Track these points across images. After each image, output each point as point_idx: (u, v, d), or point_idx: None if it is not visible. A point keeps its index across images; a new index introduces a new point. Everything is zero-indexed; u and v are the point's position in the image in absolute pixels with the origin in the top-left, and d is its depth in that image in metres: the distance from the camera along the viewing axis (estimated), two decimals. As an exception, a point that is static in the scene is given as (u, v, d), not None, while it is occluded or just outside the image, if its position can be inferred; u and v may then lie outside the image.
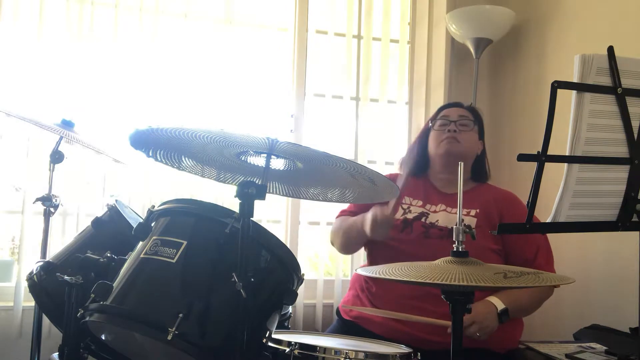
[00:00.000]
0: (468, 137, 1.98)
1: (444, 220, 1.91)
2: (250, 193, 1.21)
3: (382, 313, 1.77)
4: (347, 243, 2.03)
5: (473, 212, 1.91)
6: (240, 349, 1.16)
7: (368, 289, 1.92)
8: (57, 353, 1.43)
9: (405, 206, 1.99)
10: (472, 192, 1.99)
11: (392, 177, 2.08)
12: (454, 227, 1.22)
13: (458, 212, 1.24)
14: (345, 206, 2.15)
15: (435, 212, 1.95)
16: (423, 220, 1.93)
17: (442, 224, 1.90)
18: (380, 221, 1.76)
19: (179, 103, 2.55)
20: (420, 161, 2.05)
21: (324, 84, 2.77)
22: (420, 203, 1.99)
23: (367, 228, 1.80)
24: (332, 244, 2.11)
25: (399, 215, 1.96)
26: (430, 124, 2.04)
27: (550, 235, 1.91)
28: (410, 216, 1.95)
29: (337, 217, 2.13)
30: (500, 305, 1.74)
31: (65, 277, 1.38)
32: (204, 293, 1.23)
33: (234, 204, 1.26)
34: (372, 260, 2.02)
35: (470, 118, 2.01)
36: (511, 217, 1.89)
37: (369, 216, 1.80)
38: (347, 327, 1.93)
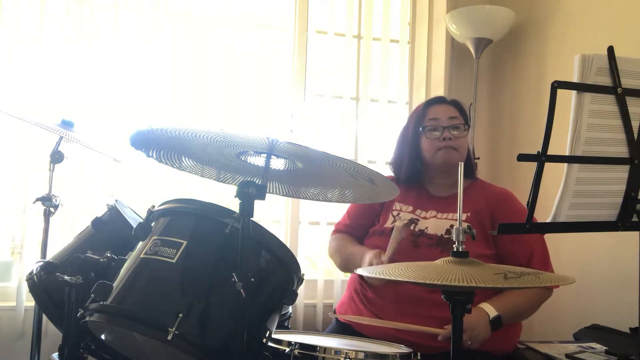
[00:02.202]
0: (462, 142, 1.94)
1: (434, 227, 1.87)
2: (250, 193, 1.21)
3: (373, 322, 1.75)
4: (344, 269, 2.13)
5: (464, 217, 1.86)
6: (240, 349, 1.16)
7: (363, 292, 1.90)
8: (57, 353, 1.43)
9: (395, 213, 1.96)
10: (465, 193, 1.95)
11: (393, 179, 2.07)
12: (454, 227, 1.21)
13: (458, 213, 1.24)
14: (341, 214, 2.14)
15: (425, 218, 1.92)
16: (412, 227, 1.90)
17: (431, 231, 1.87)
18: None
19: (179, 103, 2.55)
20: (413, 169, 1.99)
21: (324, 84, 2.77)
22: (410, 209, 1.96)
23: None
24: (331, 258, 2.12)
25: (388, 223, 1.94)
26: (421, 130, 1.95)
27: (550, 235, 1.89)
28: (399, 224, 1.92)
29: (332, 233, 2.12)
30: (492, 312, 1.70)
31: (65, 277, 1.38)
32: (204, 293, 1.23)
33: (234, 204, 1.25)
34: None
35: (460, 119, 1.95)
36: (505, 217, 1.84)
37: (365, 262, 1.77)
38: (345, 328, 1.92)
